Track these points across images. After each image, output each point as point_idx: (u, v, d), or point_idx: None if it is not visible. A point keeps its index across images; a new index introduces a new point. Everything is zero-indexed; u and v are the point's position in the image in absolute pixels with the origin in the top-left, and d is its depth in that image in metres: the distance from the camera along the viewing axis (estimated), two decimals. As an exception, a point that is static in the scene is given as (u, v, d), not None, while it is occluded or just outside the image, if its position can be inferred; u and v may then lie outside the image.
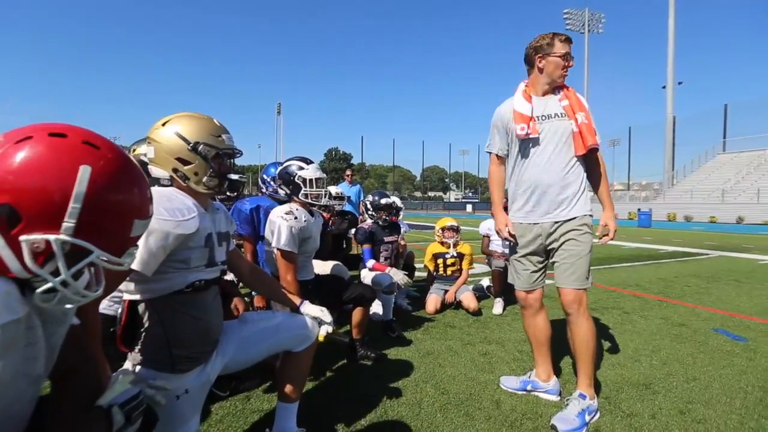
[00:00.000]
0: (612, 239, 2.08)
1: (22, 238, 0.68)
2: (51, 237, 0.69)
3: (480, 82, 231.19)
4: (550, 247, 2.08)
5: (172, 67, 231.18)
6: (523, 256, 2.14)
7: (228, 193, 1.50)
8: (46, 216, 0.69)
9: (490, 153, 2.24)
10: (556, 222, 2.04)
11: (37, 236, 0.69)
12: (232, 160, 1.46)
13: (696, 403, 2.09)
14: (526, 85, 2.13)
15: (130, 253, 0.84)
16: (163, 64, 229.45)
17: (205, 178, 1.33)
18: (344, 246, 4.48)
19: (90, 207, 0.72)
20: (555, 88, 2.08)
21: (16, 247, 0.69)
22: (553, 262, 2.09)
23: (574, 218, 2.02)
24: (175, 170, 1.33)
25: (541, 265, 2.14)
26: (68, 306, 0.78)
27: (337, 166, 66.48)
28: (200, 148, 1.31)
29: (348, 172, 7.52)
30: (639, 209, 22.08)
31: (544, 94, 2.08)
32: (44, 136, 0.73)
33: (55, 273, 0.72)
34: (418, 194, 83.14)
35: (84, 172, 0.71)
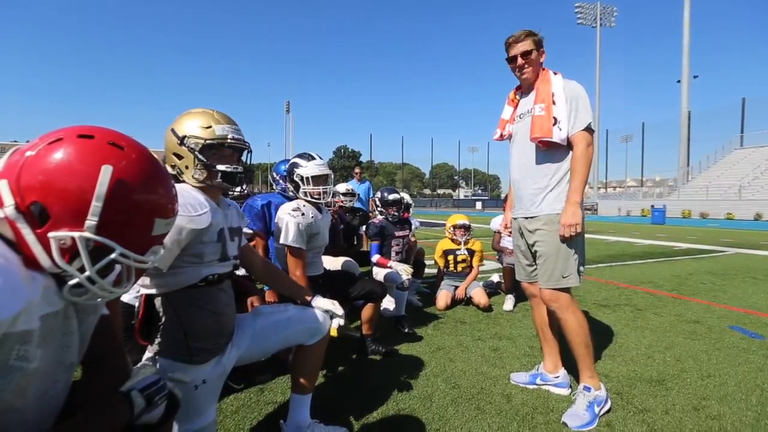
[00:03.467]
0: (564, 235, 1.88)
1: (51, 234, 0.72)
2: (75, 234, 0.73)
3: (489, 78, 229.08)
4: (529, 244, 2.10)
5: (181, 66, 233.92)
6: (517, 249, 2.25)
7: (229, 186, 1.45)
8: (71, 214, 0.73)
9: None
10: (527, 218, 2.08)
11: (64, 233, 0.72)
12: (247, 153, 1.46)
13: (710, 399, 2.07)
14: (514, 90, 2.21)
15: (155, 252, 0.86)
16: (171, 64, 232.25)
17: (193, 171, 1.35)
18: (355, 242, 4.51)
19: (111, 205, 0.75)
20: (532, 84, 2.06)
21: (46, 244, 0.73)
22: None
23: (538, 216, 2.01)
24: (173, 166, 1.37)
25: (530, 260, 2.17)
26: (98, 300, 0.82)
27: (345, 163, 66.73)
28: (186, 140, 1.33)
29: (357, 170, 7.56)
30: (652, 206, 21.69)
31: (527, 92, 2.12)
32: (73, 138, 0.77)
33: (83, 269, 0.75)
34: (427, 192, 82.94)
35: (105, 172, 0.74)
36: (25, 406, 0.77)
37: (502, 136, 2.23)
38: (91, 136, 0.78)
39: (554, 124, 1.90)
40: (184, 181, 1.39)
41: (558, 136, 1.90)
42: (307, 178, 2.23)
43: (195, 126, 1.35)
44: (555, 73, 2.01)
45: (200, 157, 1.34)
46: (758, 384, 2.24)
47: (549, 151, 1.98)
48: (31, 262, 0.73)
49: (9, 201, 0.71)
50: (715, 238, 11.79)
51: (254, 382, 2.16)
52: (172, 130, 1.37)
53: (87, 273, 0.75)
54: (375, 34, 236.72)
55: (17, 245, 0.73)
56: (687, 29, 31.91)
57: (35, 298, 0.71)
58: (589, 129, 1.91)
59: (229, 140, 1.37)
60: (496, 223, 4.40)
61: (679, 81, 32.98)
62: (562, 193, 1.97)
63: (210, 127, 1.36)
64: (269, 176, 3.34)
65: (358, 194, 5.28)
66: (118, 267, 0.85)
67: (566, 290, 1.97)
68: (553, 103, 1.92)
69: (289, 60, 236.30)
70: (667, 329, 3.20)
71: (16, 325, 0.67)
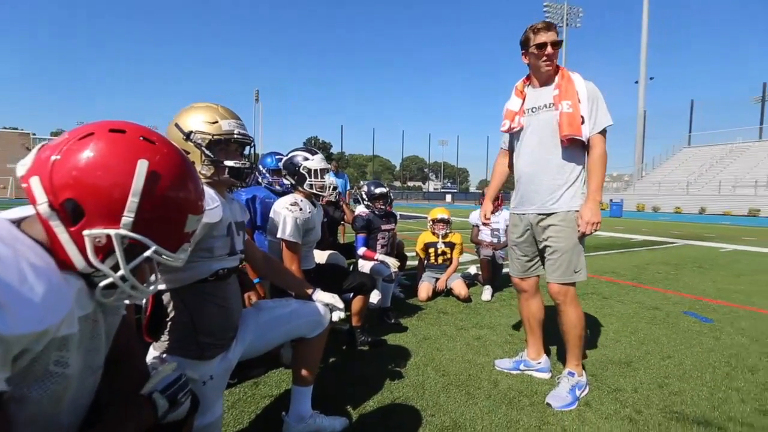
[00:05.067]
0: (586, 232, 1.96)
1: (86, 232, 0.70)
2: (112, 231, 0.71)
3: (459, 72, 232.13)
4: (538, 239, 2.12)
5: (138, 50, 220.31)
6: (516, 245, 2.24)
7: (236, 182, 1.45)
8: (106, 210, 0.71)
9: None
10: (541, 214, 2.07)
11: (100, 230, 0.71)
12: (249, 148, 1.46)
13: (672, 377, 2.29)
14: (523, 80, 2.18)
15: (184, 249, 0.86)
16: (125, 47, 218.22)
17: (201, 167, 1.34)
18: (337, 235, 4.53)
19: (147, 201, 0.73)
20: (551, 77, 2.06)
21: (80, 242, 0.71)
22: (542, 254, 2.16)
23: (557, 213, 2.02)
24: None
25: (533, 255, 2.20)
26: (127, 300, 0.81)
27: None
28: (193, 136, 1.32)
29: (333, 163, 7.54)
30: (611, 200, 22.98)
31: (541, 85, 2.10)
32: (105, 133, 0.74)
33: (114, 268, 0.74)
34: (397, 184, 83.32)
35: (141, 167, 0.73)
36: (60, 412, 0.75)
37: (511, 128, 2.15)
38: (122, 131, 0.76)
39: (582, 123, 1.94)
40: None
41: (584, 134, 1.95)
42: (316, 170, 2.27)
43: (200, 121, 1.34)
44: (572, 72, 2.03)
45: (207, 152, 1.33)
46: (710, 363, 2.50)
47: (569, 148, 2.00)
48: (63, 264, 0.71)
49: (42, 198, 0.69)
50: (666, 230, 12.73)
51: (248, 376, 2.16)
52: (177, 125, 1.34)
53: (121, 272, 0.73)
54: (346, 24, 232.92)
55: (49, 246, 0.72)
56: (645, 33, 33.70)
57: (73, 302, 0.70)
58: (604, 131, 2.00)
59: (235, 135, 1.37)
60: (474, 217, 4.56)
61: (636, 82, 34.86)
62: (578, 191, 2.02)
63: (216, 122, 1.34)
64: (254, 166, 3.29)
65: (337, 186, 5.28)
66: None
67: (573, 285, 2.05)
68: (579, 101, 1.95)
69: (258, 46, 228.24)
70: (631, 316, 3.47)
71: (60, 330, 0.66)
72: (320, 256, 3.17)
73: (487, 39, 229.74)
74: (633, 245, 8.62)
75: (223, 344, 1.40)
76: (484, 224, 2.48)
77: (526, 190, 2.12)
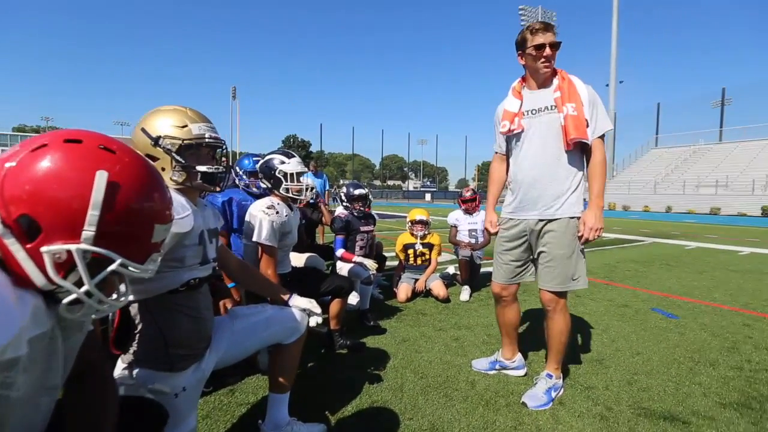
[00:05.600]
0: (589, 238, 1.93)
1: (44, 249, 0.67)
2: (72, 247, 0.67)
3: (438, 72, 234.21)
4: (535, 245, 2.07)
5: (109, 46, 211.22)
6: (508, 250, 2.15)
7: (209, 187, 1.40)
8: (65, 225, 0.68)
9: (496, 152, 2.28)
10: (541, 220, 2.01)
11: (59, 246, 0.67)
12: (220, 151, 1.40)
13: (640, 374, 2.38)
14: (519, 81, 2.11)
15: (153, 260, 0.83)
16: (103, 46, 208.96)
17: (171, 173, 1.29)
18: (315, 237, 4.48)
19: (109, 213, 0.70)
20: (549, 79, 2.00)
21: (38, 259, 0.67)
22: (535, 260, 2.10)
23: (559, 219, 1.97)
24: None
25: (525, 261, 2.14)
26: (93, 315, 0.77)
27: (295, 153, 64.85)
28: (161, 141, 1.26)
29: (312, 163, 7.46)
30: (585, 199, 23.68)
31: (539, 87, 2.03)
32: (60, 143, 0.71)
33: (79, 283, 0.70)
34: (377, 183, 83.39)
35: (101, 178, 0.69)
36: None
37: (510, 129, 2.06)
38: (78, 141, 0.73)
39: (587, 126, 1.91)
40: None
41: (589, 137, 1.92)
42: (292, 174, 2.23)
43: (169, 125, 1.28)
44: (571, 75, 2.00)
45: (178, 158, 1.27)
46: (675, 358, 2.62)
47: (571, 152, 1.95)
48: (21, 280, 0.68)
49: None
50: (635, 228, 13.25)
51: (223, 383, 2.11)
52: (143, 130, 1.28)
53: (86, 287, 0.70)
54: (324, 22, 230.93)
55: (4, 263, 0.67)
56: (615, 37, 34.88)
57: (25, 322, 0.65)
58: (603, 136, 1.97)
59: (207, 139, 1.32)
60: (452, 217, 4.61)
61: (607, 85, 36.07)
62: (579, 197, 1.99)
63: (185, 126, 1.29)
64: (232, 167, 3.21)
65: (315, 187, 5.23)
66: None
67: (565, 294, 2.04)
68: (582, 104, 1.91)
69: (235, 43, 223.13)
70: (603, 313, 3.59)
71: (5, 354, 0.62)
72: (299, 260, 3.12)
73: (465, 41, 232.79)
74: (604, 243, 8.92)
75: (196, 355, 1.35)
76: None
77: (526, 195, 2.05)
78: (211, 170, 1.32)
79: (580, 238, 1.97)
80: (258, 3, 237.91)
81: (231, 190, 2.89)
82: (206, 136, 1.32)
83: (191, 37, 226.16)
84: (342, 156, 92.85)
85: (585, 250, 2.07)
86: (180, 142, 1.27)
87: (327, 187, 7.45)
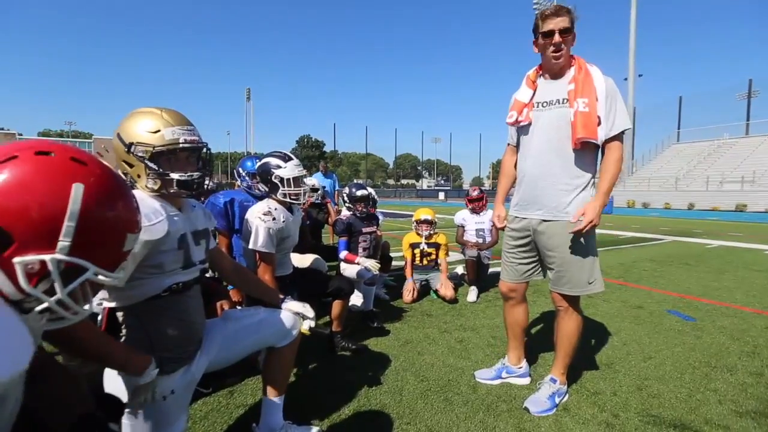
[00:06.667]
0: (581, 229, 1.78)
1: (16, 260, 0.67)
2: (47, 257, 0.68)
3: (452, 69, 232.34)
4: (540, 246, 1.96)
5: (135, 52, 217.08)
6: (514, 248, 2.07)
7: (187, 194, 1.35)
8: (39, 236, 0.68)
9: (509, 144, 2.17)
10: (544, 220, 1.90)
11: (32, 257, 0.68)
12: (205, 153, 1.35)
13: (651, 379, 2.29)
14: (535, 70, 1.98)
15: (123, 268, 0.84)
16: (123, 50, 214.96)
17: (146, 181, 1.25)
18: (321, 238, 4.48)
19: (84, 224, 0.71)
20: (565, 68, 1.86)
21: (9, 270, 0.68)
22: (542, 261, 2.01)
23: (562, 221, 1.86)
24: (125, 174, 1.28)
25: (531, 260, 2.05)
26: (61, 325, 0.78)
27: (309, 153, 65.55)
28: (133, 148, 1.23)
29: (322, 163, 7.49)
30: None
31: (553, 77, 1.90)
32: (30, 155, 0.71)
33: (49, 292, 0.71)
34: (391, 182, 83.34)
35: (77, 190, 0.71)
36: None
37: (518, 120, 1.94)
38: (49, 153, 0.73)
39: (598, 124, 1.77)
40: (137, 188, 1.31)
41: (600, 136, 1.78)
42: (288, 179, 2.17)
43: (142, 130, 1.23)
44: (590, 65, 1.84)
45: (151, 165, 1.23)
46: (690, 363, 2.51)
47: (580, 150, 1.83)
48: None
49: None
50: (655, 226, 12.85)
51: (223, 384, 2.11)
52: (118, 135, 1.26)
53: (57, 296, 0.71)
54: (338, 22, 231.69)
55: None
56: (633, 29, 33.89)
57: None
58: (622, 135, 1.83)
59: (181, 144, 1.26)
60: (459, 217, 4.54)
61: (626, 79, 35.09)
62: (588, 197, 1.85)
63: (158, 131, 1.24)
64: (234, 169, 3.24)
65: (324, 187, 5.24)
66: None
67: (578, 297, 1.94)
68: (596, 99, 1.76)
69: (249, 45, 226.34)
70: (615, 315, 3.47)
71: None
72: (302, 261, 3.12)
73: (480, 36, 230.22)
74: (621, 242, 8.68)
75: (185, 358, 1.35)
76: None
77: (529, 193, 1.95)
78: (184, 178, 1.27)
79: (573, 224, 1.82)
80: (270, 1, 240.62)
81: (232, 191, 2.91)
82: (180, 140, 1.26)
83: (206, 39, 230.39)
84: (356, 155, 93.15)
85: (598, 249, 1.97)
86: (152, 149, 1.23)
87: (337, 188, 7.46)
